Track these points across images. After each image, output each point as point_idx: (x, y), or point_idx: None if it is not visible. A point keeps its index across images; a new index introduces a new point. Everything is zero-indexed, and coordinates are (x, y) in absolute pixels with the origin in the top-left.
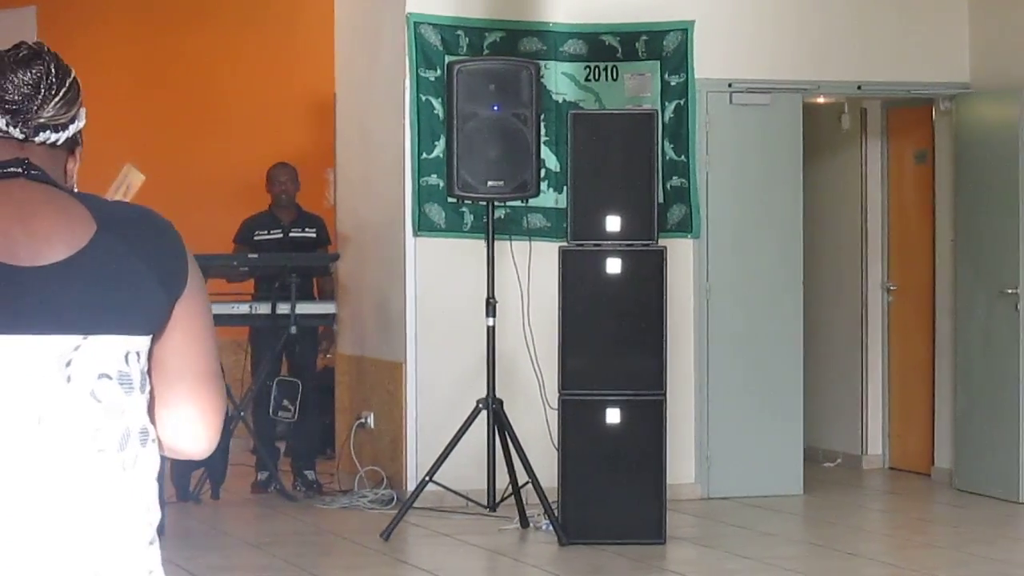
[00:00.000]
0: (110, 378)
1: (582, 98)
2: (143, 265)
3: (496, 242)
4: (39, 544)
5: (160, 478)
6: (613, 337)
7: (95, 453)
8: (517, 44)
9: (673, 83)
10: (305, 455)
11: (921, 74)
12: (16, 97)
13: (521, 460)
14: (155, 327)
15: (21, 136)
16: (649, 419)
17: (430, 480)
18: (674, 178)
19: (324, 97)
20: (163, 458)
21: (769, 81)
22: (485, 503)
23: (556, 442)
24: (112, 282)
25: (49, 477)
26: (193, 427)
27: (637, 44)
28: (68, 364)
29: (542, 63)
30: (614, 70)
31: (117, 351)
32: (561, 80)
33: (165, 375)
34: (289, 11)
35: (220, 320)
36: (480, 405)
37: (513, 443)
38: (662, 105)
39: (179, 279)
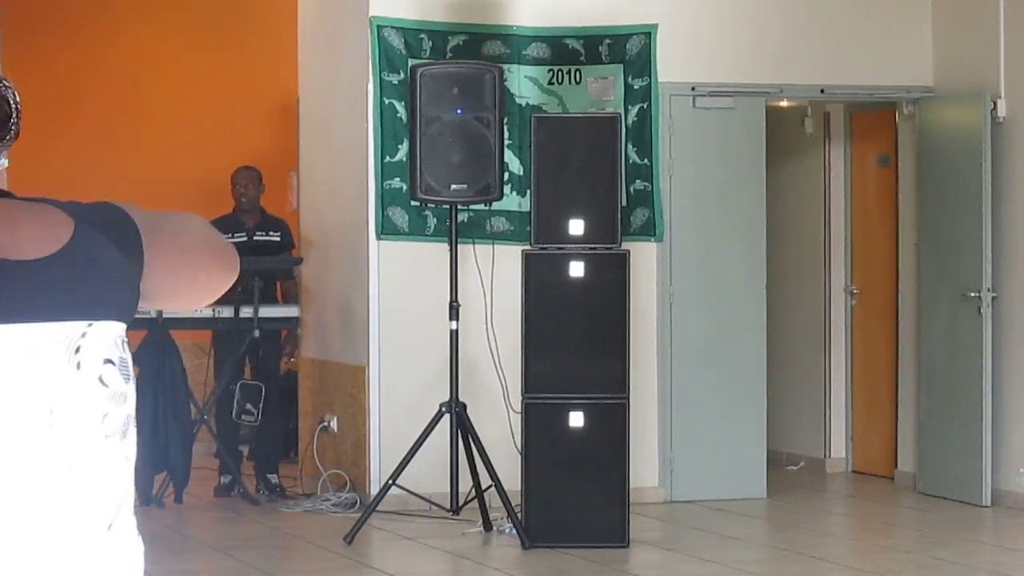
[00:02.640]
0: (113, 364)
1: (545, 101)
2: (119, 252)
3: (459, 245)
4: (54, 531)
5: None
6: (576, 340)
7: (103, 439)
8: (480, 47)
9: (636, 87)
10: (268, 459)
11: (884, 78)
12: None
13: (484, 463)
14: (132, 313)
15: None
16: (612, 422)
17: (393, 484)
18: (637, 181)
19: (289, 100)
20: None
21: (732, 84)
22: (448, 506)
23: (519, 445)
24: (102, 269)
25: (61, 465)
26: (214, 288)
27: (600, 48)
28: (77, 351)
29: (505, 66)
30: (577, 74)
31: (115, 337)
32: (524, 83)
33: (172, 251)
34: (253, 14)
35: (183, 324)
36: (443, 408)
37: (476, 446)
38: (625, 108)
39: (139, 251)
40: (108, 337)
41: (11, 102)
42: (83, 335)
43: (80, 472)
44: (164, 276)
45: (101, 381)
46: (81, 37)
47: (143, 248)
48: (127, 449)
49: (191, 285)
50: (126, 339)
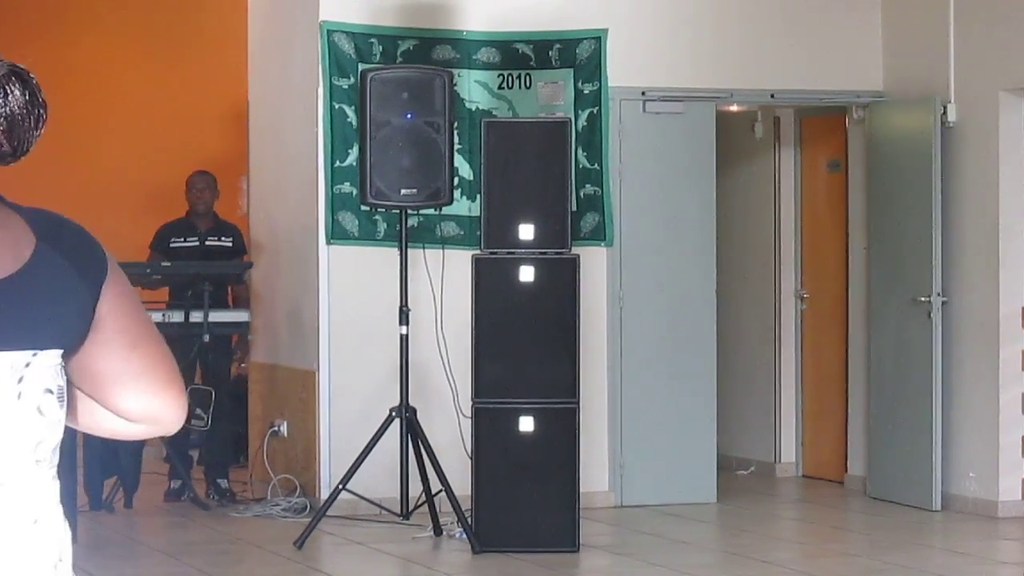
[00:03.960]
0: (52, 392)
1: (495, 106)
2: (77, 276)
3: (409, 250)
4: None
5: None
6: (526, 345)
7: (33, 464)
8: (431, 52)
9: (586, 91)
10: (218, 463)
11: (834, 82)
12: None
13: (434, 468)
14: (82, 339)
15: None
16: (562, 427)
17: (343, 488)
18: (587, 186)
19: (239, 105)
20: (74, 466)
21: (682, 89)
22: (398, 511)
23: (469, 450)
24: (55, 296)
25: None
26: (161, 397)
27: (550, 52)
28: (20, 380)
29: (455, 71)
30: (527, 78)
31: (55, 364)
32: (474, 88)
33: (114, 356)
34: (203, 19)
35: None
36: (393, 413)
37: (426, 451)
38: (575, 113)
39: (100, 279)
40: (49, 366)
41: (39, 97)
42: (27, 365)
43: (8, 488)
44: (108, 322)
45: (39, 411)
46: (35, 44)
47: (104, 283)
48: (55, 468)
49: (126, 354)
50: (63, 364)
